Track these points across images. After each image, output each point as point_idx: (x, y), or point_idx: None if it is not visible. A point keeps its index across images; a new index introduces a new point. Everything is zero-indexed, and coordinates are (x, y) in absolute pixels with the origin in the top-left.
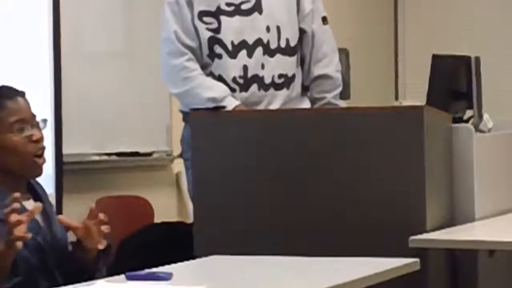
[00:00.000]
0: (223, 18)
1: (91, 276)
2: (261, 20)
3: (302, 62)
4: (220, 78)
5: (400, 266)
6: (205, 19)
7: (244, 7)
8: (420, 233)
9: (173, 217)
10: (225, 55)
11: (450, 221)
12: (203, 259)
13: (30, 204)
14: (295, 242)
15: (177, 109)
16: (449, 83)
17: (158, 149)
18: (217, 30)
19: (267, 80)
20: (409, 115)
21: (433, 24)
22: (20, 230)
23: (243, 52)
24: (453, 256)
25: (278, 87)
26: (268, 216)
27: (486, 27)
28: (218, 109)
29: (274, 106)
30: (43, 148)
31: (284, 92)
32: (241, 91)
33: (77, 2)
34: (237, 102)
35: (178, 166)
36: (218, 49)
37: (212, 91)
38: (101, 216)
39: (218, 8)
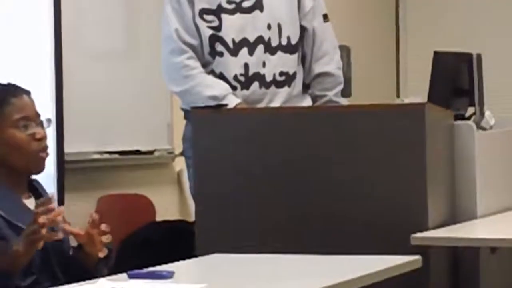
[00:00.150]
0: (224, 16)
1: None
2: (262, 18)
3: (303, 60)
4: (221, 76)
5: (402, 264)
6: (206, 17)
7: (245, 4)
8: (422, 230)
9: (174, 215)
10: (226, 53)
11: (452, 219)
12: (205, 257)
13: (31, 202)
14: (296, 240)
15: (178, 107)
16: (450, 80)
17: (160, 147)
18: (218, 28)
19: (268, 78)
20: (411, 112)
21: (435, 21)
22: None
23: (244, 50)
24: (455, 254)
25: (279, 85)
26: (269, 214)
27: (488, 24)
28: (219, 107)
29: (276, 104)
30: (46, 147)
31: (285, 90)
32: (242, 89)
33: (78, 1)
34: (238, 100)
35: (180, 164)
36: (219, 47)
37: (213, 89)
38: (103, 226)
39: (219, 6)
